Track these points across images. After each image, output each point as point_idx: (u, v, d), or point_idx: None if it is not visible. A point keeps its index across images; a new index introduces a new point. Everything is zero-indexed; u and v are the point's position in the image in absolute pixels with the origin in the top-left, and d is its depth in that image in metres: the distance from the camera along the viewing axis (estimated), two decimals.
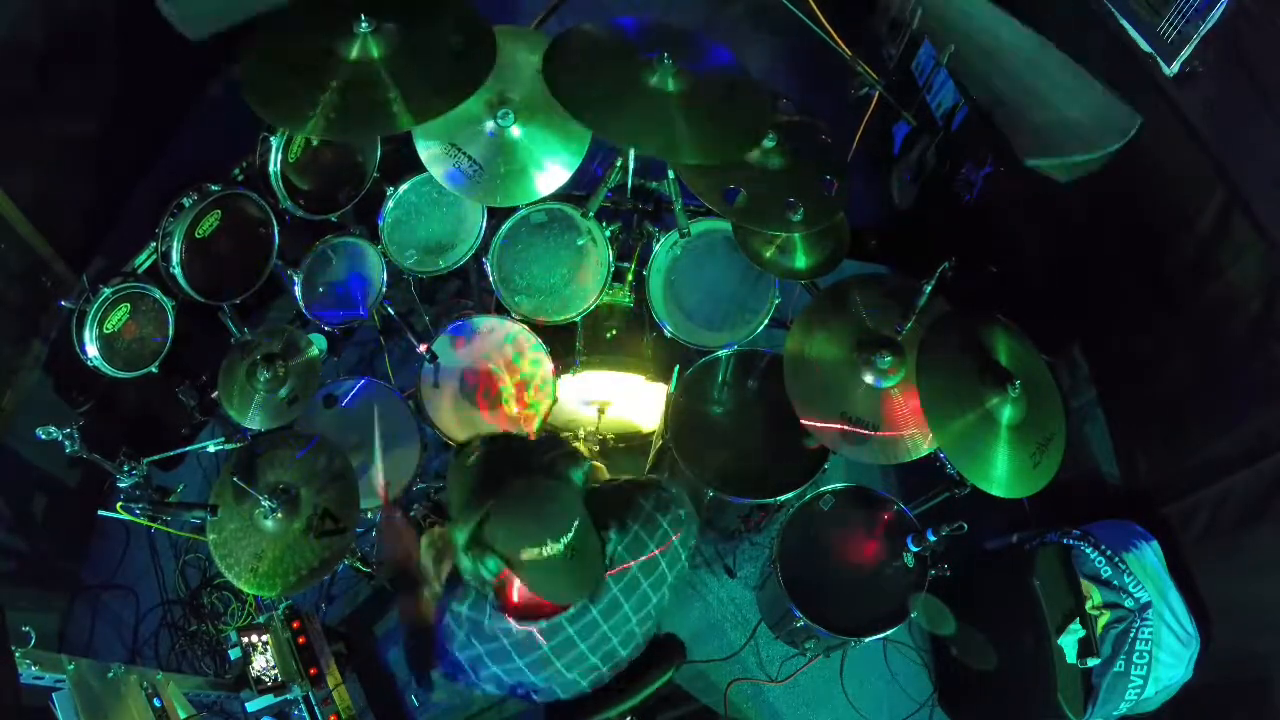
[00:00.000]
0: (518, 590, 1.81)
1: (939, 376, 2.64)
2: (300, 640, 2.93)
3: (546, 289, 3.34)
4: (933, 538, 2.81)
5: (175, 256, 2.95)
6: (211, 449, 3.23)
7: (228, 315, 3.20)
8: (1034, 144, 3.22)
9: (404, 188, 3.33)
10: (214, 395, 3.16)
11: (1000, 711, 3.29)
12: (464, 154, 2.95)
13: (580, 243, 3.35)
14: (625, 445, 3.54)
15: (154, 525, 3.00)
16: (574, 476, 1.75)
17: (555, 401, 3.21)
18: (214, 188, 3.02)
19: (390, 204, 3.32)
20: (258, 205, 3.15)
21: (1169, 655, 2.86)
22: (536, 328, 3.27)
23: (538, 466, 1.72)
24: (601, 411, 3.33)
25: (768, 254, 3.19)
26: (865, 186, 3.48)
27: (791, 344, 2.95)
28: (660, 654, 2.06)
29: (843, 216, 3.20)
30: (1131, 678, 2.85)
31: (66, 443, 2.66)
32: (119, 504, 2.72)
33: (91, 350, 2.82)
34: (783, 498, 3.11)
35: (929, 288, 2.69)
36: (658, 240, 3.34)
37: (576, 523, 1.69)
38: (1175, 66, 2.73)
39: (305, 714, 2.81)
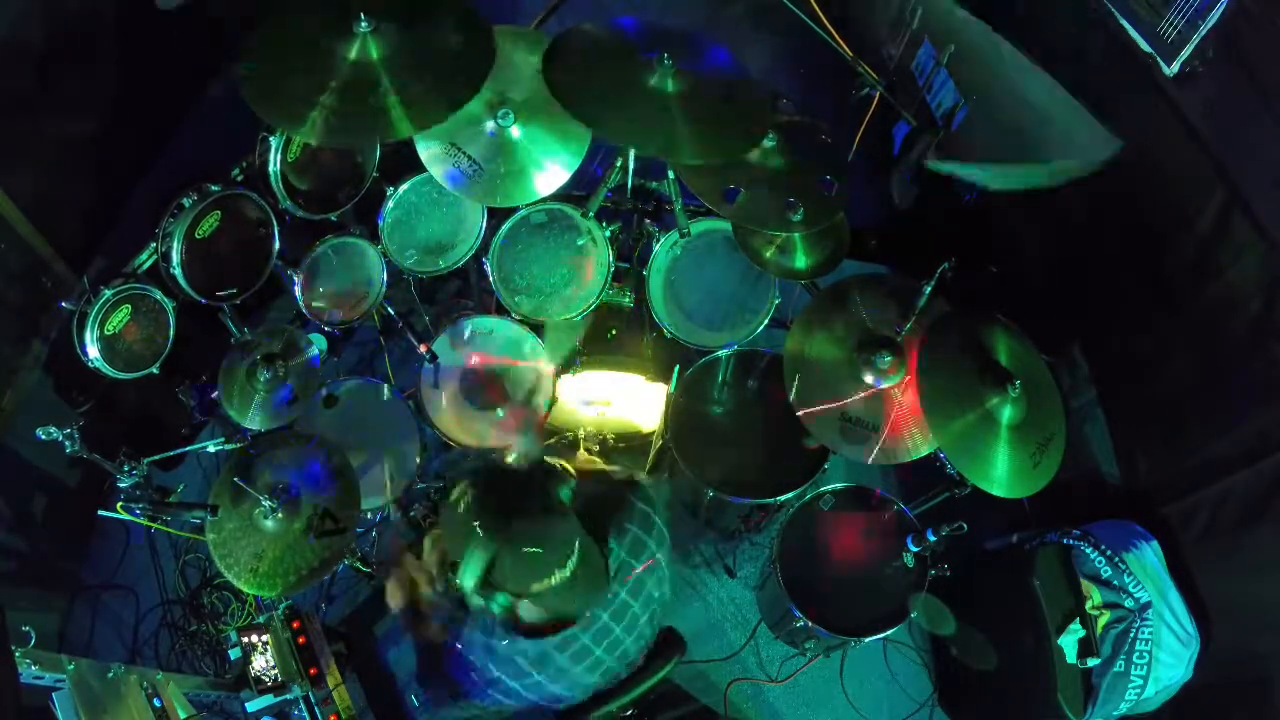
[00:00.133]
0: (530, 612, 1.82)
1: (939, 376, 2.65)
2: (300, 640, 2.92)
3: (546, 289, 3.34)
4: (933, 538, 2.81)
5: (175, 257, 2.94)
6: (211, 449, 3.23)
7: (228, 315, 3.20)
8: (991, 144, 3.22)
9: (404, 188, 3.33)
10: (214, 395, 3.15)
11: (1000, 711, 3.29)
12: (464, 154, 2.95)
13: (580, 243, 3.35)
14: (625, 445, 3.54)
15: (154, 525, 3.00)
16: (563, 497, 1.77)
17: (555, 401, 3.21)
18: (214, 188, 3.02)
19: (390, 204, 3.32)
20: (258, 205, 3.14)
21: (1169, 655, 2.86)
22: (537, 328, 3.27)
23: (533, 503, 1.73)
24: (602, 412, 3.33)
25: (768, 254, 3.19)
26: (865, 186, 3.48)
27: (791, 344, 2.95)
28: (661, 647, 2.07)
29: (843, 216, 3.20)
30: (1131, 678, 2.85)
31: (66, 443, 2.66)
32: (119, 504, 2.71)
33: (93, 351, 2.82)
34: (783, 498, 3.11)
35: (929, 288, 2.69)
36: (658, 240, 3.34)
37: (577, 544, 1.73)
38: (1175, 66, 2.73)
39: (305, 714, 2.80)
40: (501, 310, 3.34)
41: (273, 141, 3.03)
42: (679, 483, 3.59)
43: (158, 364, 3.03)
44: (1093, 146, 2.94)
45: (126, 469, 2.87)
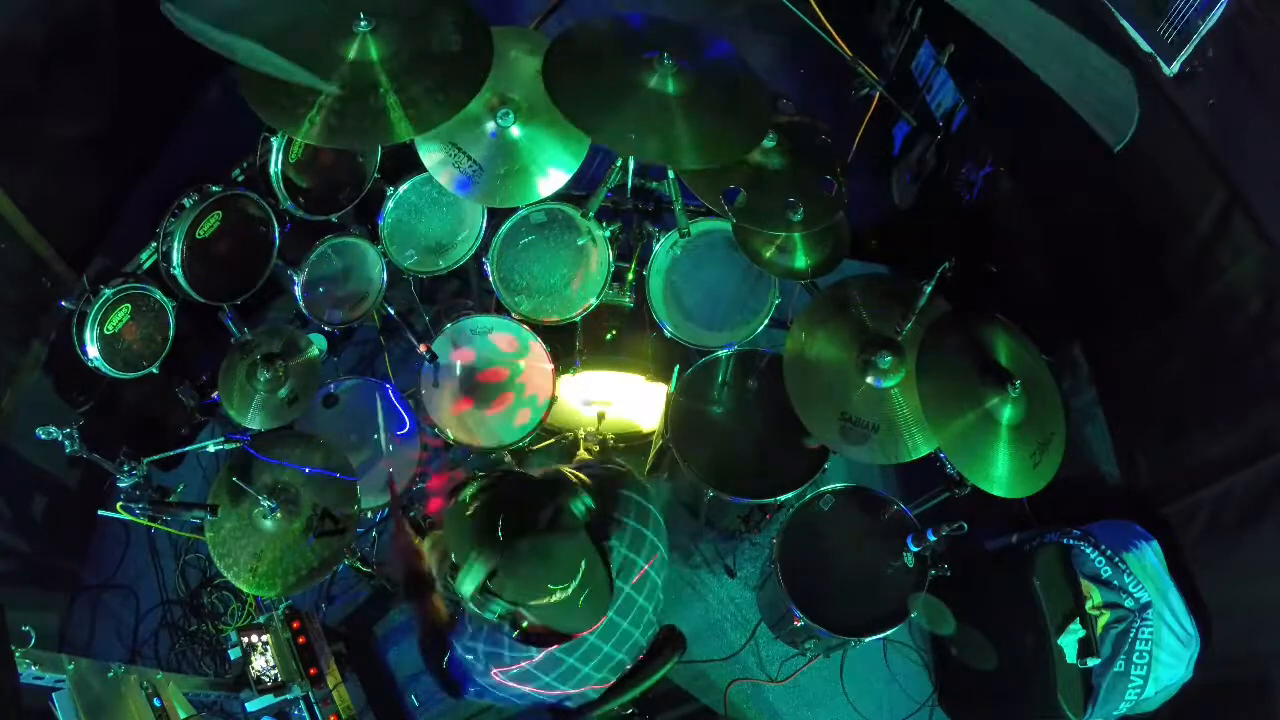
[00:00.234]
0: (529, 620, 1.79)
1: (939, 376, 2.64)
2: (300, 640, 2.93)
3: (546, 289, 3.34)
4: (933, 538, 2.81)
5: (176, 257, 2.95)
6: (211, 449, 3.22)
7: (228, 315, 3.20)
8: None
9: (404, 188, 3.33)
10: (214, 395, 3.16)
11: (1000, 711, 3.28)
12: (465, 155, 2.95)
13: (580, 243, 3.35)
14: (625, 445, 3.54)
15: (154, 525, 3.00)
16: (577, 512, 1.73)
17: (555, 401, 3.21)
18: (214, 188, 3.02)
19: (390, 204, 3.32)
20: (258, 205, 3.15)
21: (1169, 655, 2.86)
22: (537, 328, 3.27)
23: (543, 522, 1.68)
24: (601, 412, 3.33)
25: (768, 254, 3.19)
26: (865, 186, 3.48)
27: (791, 344, 2.95)
28: (662, 645, 2.07)
29: (843, 216, 3.20)
30: (1131, 678, 2.85)
31: (66, 443, 2.66)
32: (119, 504, 2.71)
33: (92, 351, 2.82)
34: (783, 498, 3.11)
35: (929, 288, 2.69)
36: (658, 240, 3.34)
37: (584, 564, 1.68)
38: (1175, 66, 2.73)
39: (305, 714, 2.81)
40: (501, 310, 3.34)
41: (274, 142, 3.04)
42: (679, 483, 3.60)
43: (157, 364, 3.03)
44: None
45: (126, 469, 2.87)
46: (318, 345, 3.23)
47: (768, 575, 3.41)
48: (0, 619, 2.03)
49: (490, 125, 2.96)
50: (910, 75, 4.29)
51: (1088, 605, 2.91)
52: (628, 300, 3.41)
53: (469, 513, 1.69)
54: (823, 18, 3.40)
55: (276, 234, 3.20)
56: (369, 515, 3.22)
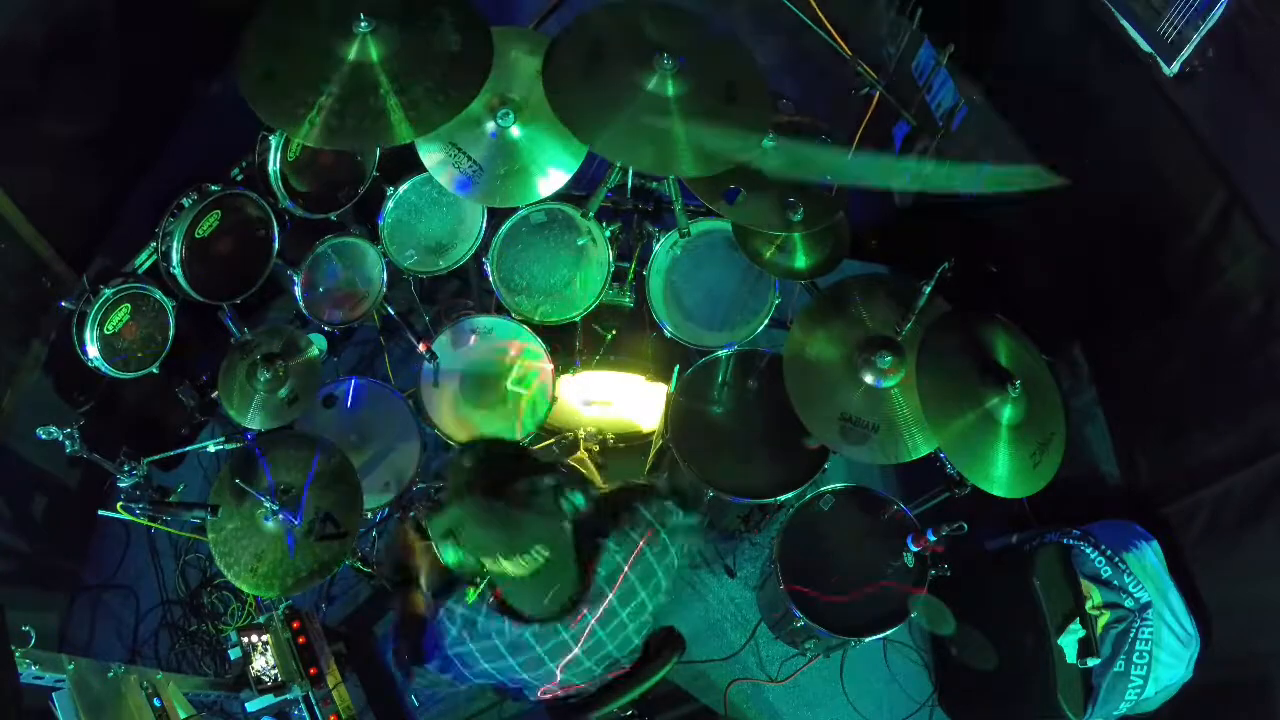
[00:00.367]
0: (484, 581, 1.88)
1: (939, 376, 2.64)
2: (300, 640, 2.93)
3: (546, 289, 3.34)
4: (933, 538, 2.81)
5: (175, 256, 2.95)
6: (211, 449, 3.23)
7: (228, 315, 3.20)
8: None
9: (404, 188, 3.33)
10: (214, 395, 3.16)
11: (1000, 711, 3.28)
12: (465, 155, 2.95)
13: (580, 243, 3.35)
14: (625, 445, 3.54)
15: (154, 525, 3.00)
16: (564, 506, 1.80)
17: (555, 401, 3.21)
18: (214, 188, 3.02)
19: (390, 204, 3.32)
20: (258, 205, 3.14)
21: (1169, 655, 2.86)
22: (536, 328, 3.27)
23: (514, 495, 1.77)
24: (602, 412, 3.34)
25: (768, 254, 3.19)
26: (865, 187, 3.49)
27: (791, 344, 2.95)
28: (660, 647, 2.08)
29: (843, 216, 3.20)
30: (1131, 678, 2.85)
31: (66, 443, 2.66)
32: (119, 504, 2.71)
33: (92, 351, 2.82)
34: (783, 498, 3.11)
35: (929, 288, 2.69)
36: (658, 240, 3.34)
37: (546, 552, 1.77)
38: (1175, 66, 2.73)
39: (305, 714, 2.81)
40: (501, 310, 3.34)
41: (273, 141, 3.04)
42: (679, 483, 3.60)
43: (157, 364, 3.03)
44: None
45: (126, 469, 2.87)
46: (318, 345, 3.23)
47: (768, 575, 3.41)
48: (0, 619, 2.03)
49: (490, 125, 2.95)
50: (910, 75, 4.28)
51: (1088, 605, 2.91)
52: (628, 300, 3.41)
53: (465, 464, 1.83)
54: (823, 17, 3.40)
55: (276, 234, 3.20)
56: (369, 515, 3.22)
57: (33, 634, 2.14)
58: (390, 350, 3.81)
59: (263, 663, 2.80)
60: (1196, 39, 2.63)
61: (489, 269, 3.28)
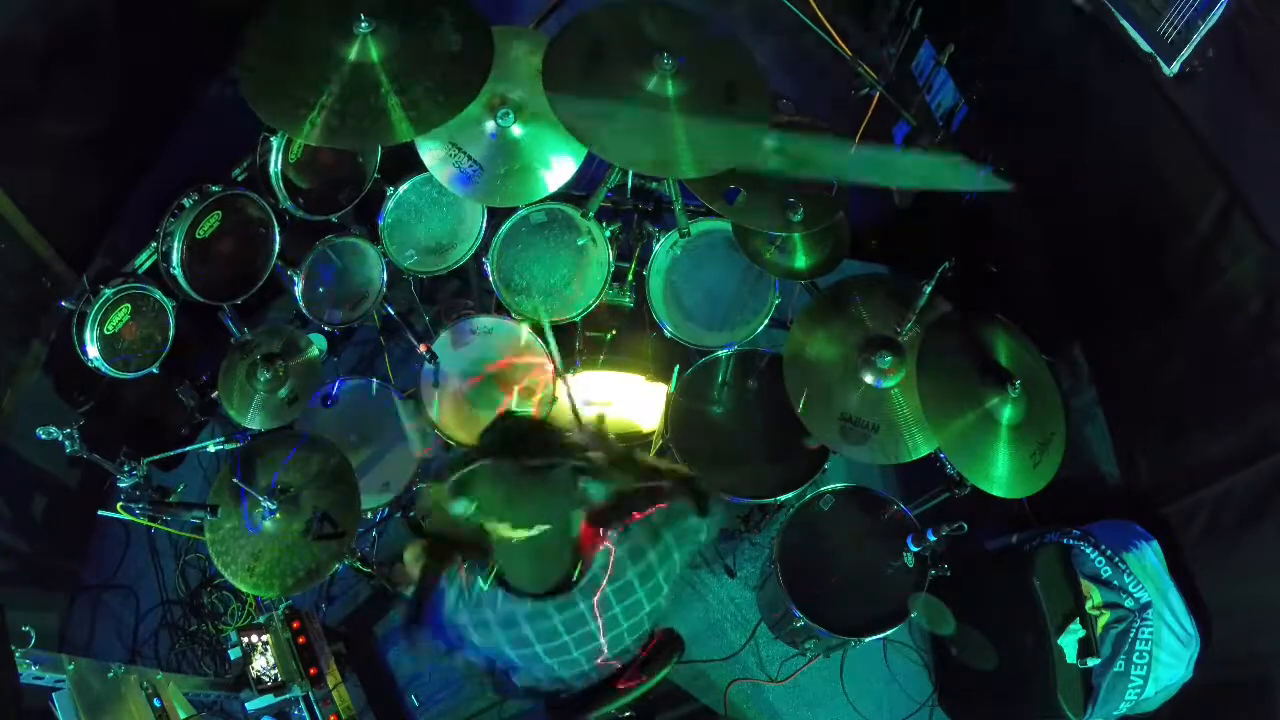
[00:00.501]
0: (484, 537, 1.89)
1: (939, 376, 2.64)
2: (300, 640, 2.93)
3: (546, 289, 3.34)
4: (933, 538, 2.81)
5: (176, 257, 2.95)
6: (211, 449, 3.22)
7: (228, 315, 3.20)
8: None
9: (404, 188, 3.33)
10: (214, 395, 3.16)
11: (1000, 711, 3.28)
12: (466, 155, 2.95)
13: (580, 243, 3.35)
14: (625, 445, 3.54)
15: (154, 525, 3.00)
16: (580, 491, 1.83)
17: (555, 401, 3.21)
18: (214, 188, 3.02)
19: (390, 204, 3.32)
20: (258, 205, 3.15)
21: (1169, 655, 2.86)
22: (537, 327, 3.27)
23: (534, 465, 1.79)
24: (601, 414, 3.33)
25: (768, 254, 3.19)
26: (865, 187, 3.49)
27: (791, 344, 2.95)
28: (659, 649, 2.07)
29: (843, 216, 3.20)
30: (1131, 678, 2.85)
31: (66, 443, 2.66)
32: (119, 504, 2.71)
33: (92, 351, 2.82)
34: (783, 498, 3.11)
35: (929, 288, 2.69)
36: (658, 240, 3.34)
37: (546, 527, 1.79)
38: (1175, 66, 2.73)
39: (305, 714, 2.81)
40: (501, 310, 3.34)
41: (274, 142, 3.04)
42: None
43: (157, 364, 3.03)
44: None
45: (126, 469, 2.87)
46: (318, 345, 3.23)
47: (768, 575, 3.41)
48: (0, 619, 2.03)
49: (490, 125, 2.95)
50: (910, 75, 4.29)
51: (1088, 605, 2.91)
52: (628, 300, 3.41)
53: (496, 425, 1.99)
54: (823, 18, 3.40)
55: (276, 234, 3.20)
56: (368, 515, 3.22)
57: (33, 634, 2.15)
58: (390, 350, 3.81)
59: (263, 663, 2.81)
60: (1196, 39, 2.63)
61: (489, 269, 3.28)
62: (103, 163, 3.21)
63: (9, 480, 3.15)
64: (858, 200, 3.17)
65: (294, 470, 2.74)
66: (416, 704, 3.40)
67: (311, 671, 2.88)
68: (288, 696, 2.79)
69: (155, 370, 3.03)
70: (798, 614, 2.97)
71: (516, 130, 2.96)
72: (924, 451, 2.81)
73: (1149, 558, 2.94)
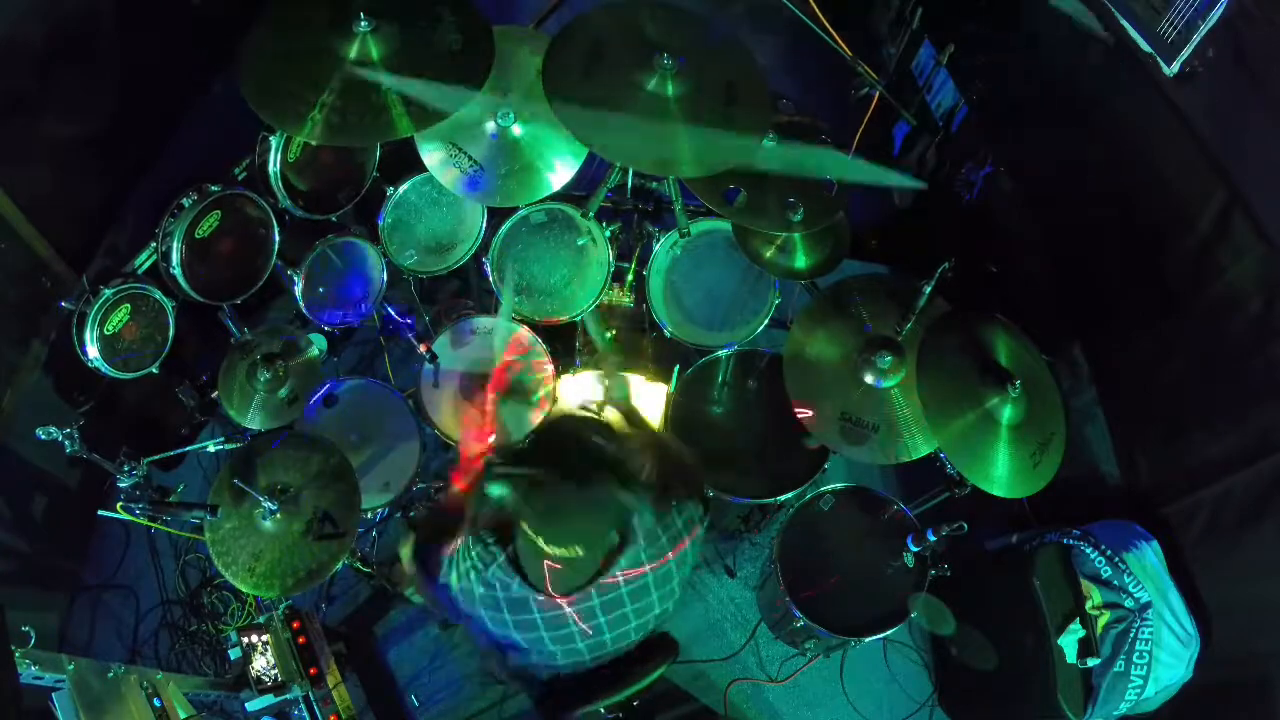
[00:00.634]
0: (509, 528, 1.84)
1: (939, 376, 2.65)
2: (300, 640, 2.93)
3: (546, 289, 3.34)
4: (933, 538, 2.81)
5: (175, 257, 2.94)
6: (211, 449, 3.23)
7: (227, 315, 3.20)
8: None
9: (404, 188, 3.33)
10: (214, 395, 3.16)
11: (1000, 711, 3.28)
12: (466, 155, 2.95)
13: (580, 243, 3.34)
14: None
15: (154, 525, 3.00)
16: (626, 499, 1.76)
17: (555, 401, 3.21)
18: (214, 188, 3.02)
19: (390, 204, 3.32)
20: (258, 205, 3.14)
21: (1169, 655, 2.86)
22: (536, 328, 3.27)
23: (591, 495, 1.74)
24: (601, 412, 3.33)
25: (768, 254, 3.19)
26: (865, 187, 3.50)
27: (791, 344, 2.95)
28: (652, 651, 2.07)
29: (843, 216, 3.20)
30: (1131, 678, 2.85)
31: (66, 443, 2.66)
32: (119, 504, 2.71)
33: (92, 351, 2.82)
34: (783, 498, 3.11)
35: (929, 288, 2.69)
36: (658, 240, 3.34)
37: (581, 550, 1.76)
38: (1175, 66, 2.73)
39: (305, 714, 2.81)
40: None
41: (273, 141, 3.04)
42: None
43: (157, 364, 3.03)
44: None
45: (126, 469, 2.87)
46: (318, 345, 3.23)
47: (768, 575, 3.41)
48: (0, 619, 2.03)
49: (491, 125, 2.95)
50: (910, 75, 4.29)
51: (1088, 605, 2.91)
52: (628, 300, 3.41)
53: (560, 428, 1.95)
54: (822, 18, 3.40)
55: (276, 234, 3.20)
56: (368, 515, 3.21)
57: (33, 634, 2.15)
58: (390, 350, 3.81)
59: (263, 663, 2.81)
60: (1196, 39, 2.63)
61: (489, 269, 3.28)
62: (103, 163, 3.21)
63: (9, 480, 3.15)
64: (858, 200, 3.17)
65: (294, 470, 2.74)
66: (416, 704, 3.40)
67: (311, 671, 2.88)
68: (288, 696, 2.79)
69: (155, 370, 3.03)
70: (798, 614, 2.97)
71: (517, 130, 2.96)
72: (924, 451, 2.82)
73: (1149, 558, 2.94)
